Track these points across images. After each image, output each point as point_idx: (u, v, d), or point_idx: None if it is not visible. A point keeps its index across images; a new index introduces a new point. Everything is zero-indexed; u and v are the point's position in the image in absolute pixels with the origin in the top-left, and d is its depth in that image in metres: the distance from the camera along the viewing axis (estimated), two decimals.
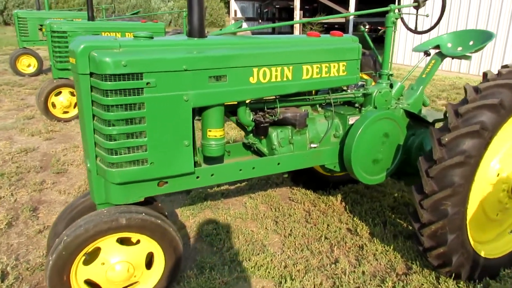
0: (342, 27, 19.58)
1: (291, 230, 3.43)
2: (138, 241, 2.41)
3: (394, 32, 3.19)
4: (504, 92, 2.46)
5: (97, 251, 2.32)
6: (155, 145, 2.24)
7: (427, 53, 3.52)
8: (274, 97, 2.76)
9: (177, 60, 2.19)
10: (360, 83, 3.17)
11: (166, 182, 2.42)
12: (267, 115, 2.74)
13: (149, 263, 2.50)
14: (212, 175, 2.56)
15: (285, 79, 2.58)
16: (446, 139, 2.45)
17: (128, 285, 2.43)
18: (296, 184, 4.23)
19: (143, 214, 2.33)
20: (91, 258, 2.34)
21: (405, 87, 3.40)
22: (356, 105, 3.13)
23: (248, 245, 3.19)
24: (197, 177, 2.50)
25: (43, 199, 3.99)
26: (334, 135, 2.99)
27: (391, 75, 3.26)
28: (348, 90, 3.21)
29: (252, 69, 2.43)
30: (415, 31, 3.29)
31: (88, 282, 2.31)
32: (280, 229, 3.45)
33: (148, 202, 2.59)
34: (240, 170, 2.65)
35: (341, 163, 3.03)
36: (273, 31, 24.23)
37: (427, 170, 2.51)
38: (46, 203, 3.93)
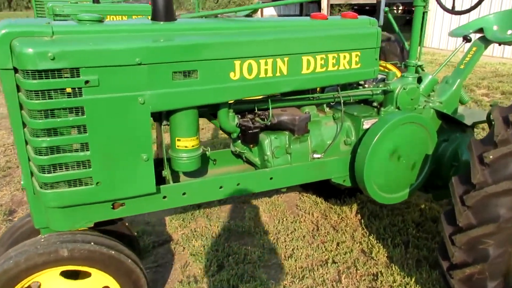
0: (374, 9, 18.41)
1: (293, 250, 2.90)
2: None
3: (425, 12, 2.52)
4: None
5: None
6: (102, 161, 1.75)
7: (467, 39, 2.82)
8: (267, 95, 2.19)
9: (127, 51, 1.66)
10: (380, 76, 2.60)
11: (123, 204, 1.92)
12: (256, 119, 2.18)
13: None
14: (183, 194, 2.06)
15: (278, 74, 2.01)
16: (491, 157, 1.81)
17: None
18: (306, 190, 3.66)
19: (92, 243, 1.86)
20: None
21: (438, 81, 2.73)
22: (374, 104, 2.58)
23: (238, 269, 2.67)
24: (164, 197, 2.01)
25: (24, 200, 3.61)
26: (345, 142, 2.46)
27: (420, 66, 2.61)
28: (366, 85, 2.60)
29: (233, 62, 1.89)
30: (452, 11, 2.59)
31: None
32: (280, 248, 2.92)
33: (111, 221, 2.12)
34: (221, 187, 2.12)
35: (352, 176, 2.47)
36: (301, 14, 23.25)
37: (463, 196, 1.89)
38: (26, 204, 3.53)
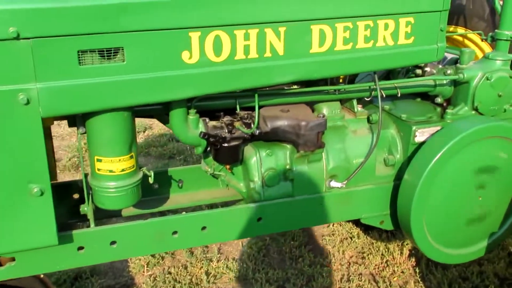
0: None
1: None
2: None
3: None
4: None
5: None
6: None
7: None
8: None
9: None
10: (450, 56, 2.38)
11: (13, 259, 1.66)
12: (236, 124, 1.82)
13: None
14: (112, 243, 1.76)
15: (268, 54, 1.69)
16: None
17: None
18: None
19: None
20: None
21: None
22: (438, 101, 2.30)
23: None
24: (80, 249, 1.72)
25: None
26: (385, 163, 2.20)
27: None
28: (427, 70, 2.31)
29: (188, 34, 1.56)
30: None
31: None
32: None
33: None
34: (175, 233, 1.79)
35: (394, 217, 2.16)
36: None
37: None
38: None
